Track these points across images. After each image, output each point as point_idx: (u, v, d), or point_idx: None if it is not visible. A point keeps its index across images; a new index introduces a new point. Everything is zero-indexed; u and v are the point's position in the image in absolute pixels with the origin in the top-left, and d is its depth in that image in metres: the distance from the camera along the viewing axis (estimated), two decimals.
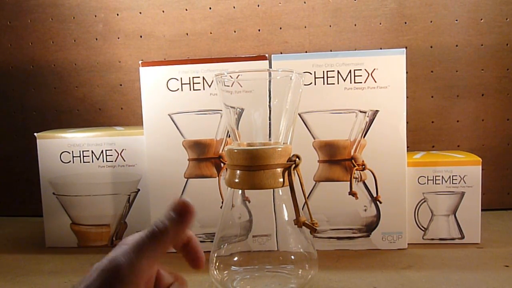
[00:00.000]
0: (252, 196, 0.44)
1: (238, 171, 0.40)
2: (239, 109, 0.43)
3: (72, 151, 0.58)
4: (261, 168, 0.39)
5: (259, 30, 0.74)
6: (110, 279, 0.26)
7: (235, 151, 0.40)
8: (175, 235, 0.29)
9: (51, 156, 0.59)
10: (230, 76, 0.42)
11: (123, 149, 0.58)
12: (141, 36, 0.75)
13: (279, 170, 0.40)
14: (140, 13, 0.75)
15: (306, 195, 0.41)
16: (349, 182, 0.54)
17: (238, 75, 0.43)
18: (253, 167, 0.39)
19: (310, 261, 0.42)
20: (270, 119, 0.44)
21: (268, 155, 0.39)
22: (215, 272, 0.42)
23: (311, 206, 0.42)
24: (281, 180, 0.40)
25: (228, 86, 0.43)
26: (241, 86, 0.43)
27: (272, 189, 0.42)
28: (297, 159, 0.40)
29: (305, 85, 0.53)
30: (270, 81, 0.43)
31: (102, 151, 0.58)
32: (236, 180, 0.40)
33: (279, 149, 0.39)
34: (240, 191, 0.43)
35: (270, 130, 0.43)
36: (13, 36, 0.77)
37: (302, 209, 0.41)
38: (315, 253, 0.42)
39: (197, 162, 0.54)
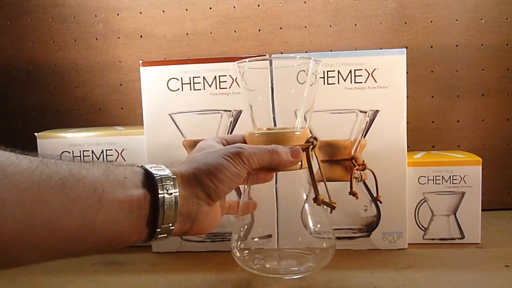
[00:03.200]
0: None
1: None
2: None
3: (73, 151, 0.58)
4: None
5: (259, 30, 0.74)
6: (231, 153, 0.38)
7: (256, 135, 0.42)
8: (277, 165, 0.40)
9: None
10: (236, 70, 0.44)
11: (123, 149, 0.58)
12: (141, 36, 0.76)
13: None
14: (141, 13, 0.75)
15: (324, 176, 0.43)
16: (349, 182, 0.54)
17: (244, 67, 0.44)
18: None
19: (328, 242, 0.44)
20: (273, 108, 0.46)
21: (287, 138, 0.41)
22: (237, 251, 0.44)
23: (312, 205, 0.43)
24: (300, 162, 0.41)
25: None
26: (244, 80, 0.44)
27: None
28: (314, 140, 0.42)
29: None
30: (271, 73, 0.45)
31: (102, 151, 0.58)
32: None
33: (298, 132, 0.42)
34: (247, 188, 0.45)
35: (274, 117, 0.46)
36: (14, 36, 0.77)
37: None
38: (333, 234, 0.44)
39: None
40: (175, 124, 0.54)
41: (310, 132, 0.44)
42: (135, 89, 0.76)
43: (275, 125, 0.46)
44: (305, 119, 0.44)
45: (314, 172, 0.42)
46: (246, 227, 0.46)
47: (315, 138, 0.42)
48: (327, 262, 0.44)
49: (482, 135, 0.73)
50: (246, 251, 0.45)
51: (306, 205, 0.44)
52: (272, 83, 0.46)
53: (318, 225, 0.44)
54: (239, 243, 0.45)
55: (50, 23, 0.76)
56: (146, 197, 0.34)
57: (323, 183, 0.43)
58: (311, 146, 0.42)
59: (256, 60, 0.45)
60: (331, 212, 0.42)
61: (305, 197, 0.44)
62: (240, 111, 0.53)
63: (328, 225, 0.44)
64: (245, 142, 0.43)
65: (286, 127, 0.44)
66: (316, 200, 0.42)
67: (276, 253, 0.47)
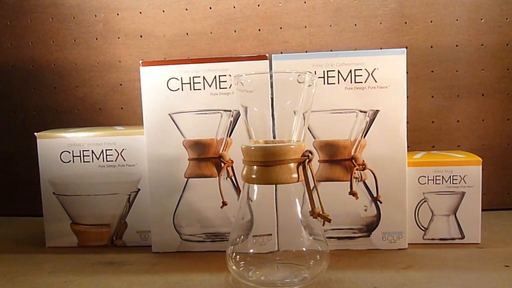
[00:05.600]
0: (267, 192, 0.47)
1: (255, 167, 0.42)
2: (244, 107, 0.46)
3: (72, 151, 0.58)
4: (276, 164, 0.41)
5: (259, 30, 0.74)
6: None
7: (253, 148, 0.42)
8: None
9: (51, 156, 0.59)
10: (231, 76, 0.44)
11: (123, 149, 0.58)
12: (141, 36, 0.76)
13: (293, 165, 0.42)
14: (140, 13, 0.75)
15: (318, 190, 0.43)
16: (349, 182, 0.54)
17: (241, 75, 0.44)
18: (269, 162, 0.41)
19: (322, 253, 0.44)
20: (273, 118, 0.46)
21: (283, 152, 0.41)
22: (232, 263, 0.44)
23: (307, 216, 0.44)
24: (295, 175, 0.42)
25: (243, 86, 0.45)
26: (243, 85, 0.44)
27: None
28: (310, 154, 0.42)
29: None
30: (271, 83, 0.45)
31: (102, 151, 0.58)
32: (253, 176, 0.42)
33: (293, 146, 0.42)
34: (255, 187, 0.45)
35: (274, 129, 0.46)
36: (13, 36, 0.77)
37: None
38: (327, 245, 0.44)
39: (198, 162, 0.54)
40: (175, 124, 0.54)
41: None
42: (135, 89, 0.76)
43: (273, 135, 0.46)
44: (301, 132, 0.45)
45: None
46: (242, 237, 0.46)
47: (311, 152, 0.43)
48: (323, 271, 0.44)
49: (482, 135, 0.73)
50: (242, 263, 0.45)
51: (301, 217, 0.45)
52: (272, 95, 0.46)
53: (312, 236, 0.45)
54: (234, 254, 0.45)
55: (50, 23, 0.76)
56: None
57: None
58: (307, 160, 0.42)
59: (255, 73, 0.46)
60: (323, 225, 0.44)
61: (300, 209, 0.45)
62: (246, 108, 0.53)
63: (322, 235, 0.45)
64: None
65: (282, 140, 0.45)
66: (312, 213, 0.43)
67: (271, 265, 0.47)
